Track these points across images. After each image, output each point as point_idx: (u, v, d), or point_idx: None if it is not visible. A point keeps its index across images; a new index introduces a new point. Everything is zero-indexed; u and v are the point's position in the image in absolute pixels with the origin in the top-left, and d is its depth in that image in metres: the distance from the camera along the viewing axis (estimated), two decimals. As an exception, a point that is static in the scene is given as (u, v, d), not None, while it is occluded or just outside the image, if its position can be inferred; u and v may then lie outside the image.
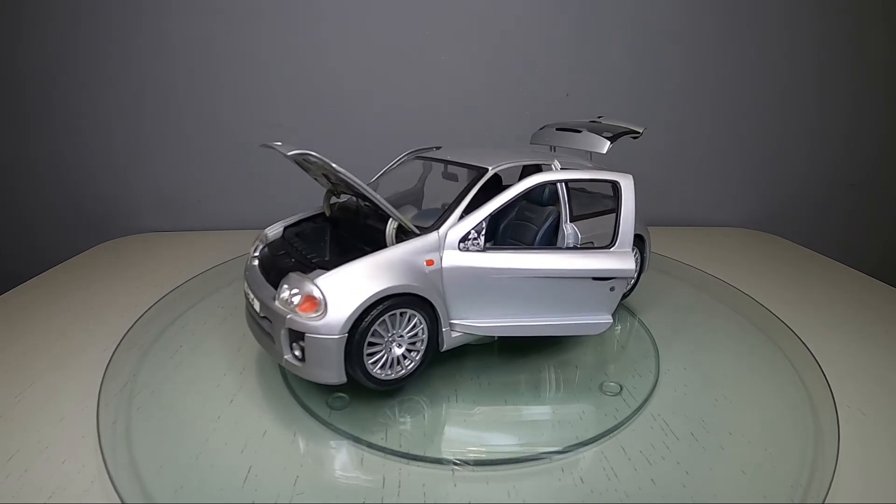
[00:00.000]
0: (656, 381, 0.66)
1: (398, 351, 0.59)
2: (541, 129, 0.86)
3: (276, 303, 0.57)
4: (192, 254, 1.10)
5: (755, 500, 0.48)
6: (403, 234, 0.61)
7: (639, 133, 0.75)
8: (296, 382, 0.64)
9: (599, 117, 0.84)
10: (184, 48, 1.16)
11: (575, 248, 0.65)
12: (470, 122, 1.28)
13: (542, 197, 0.70)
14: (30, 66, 1.16)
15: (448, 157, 0.75)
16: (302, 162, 0.62)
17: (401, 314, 0.58)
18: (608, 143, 0.72)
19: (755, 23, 1.24)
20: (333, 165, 0.56)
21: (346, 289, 0.55)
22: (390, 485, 0.50)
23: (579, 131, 0.77)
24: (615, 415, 0.59)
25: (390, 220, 0.60)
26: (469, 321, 0.62)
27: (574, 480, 0.50)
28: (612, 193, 0.68)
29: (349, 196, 0.73)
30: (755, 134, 1.34)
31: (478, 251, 0.61)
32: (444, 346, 0.62)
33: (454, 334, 0.62)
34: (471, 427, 0.57)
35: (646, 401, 0.62)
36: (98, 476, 0.50)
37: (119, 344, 0.71)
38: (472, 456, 0.53)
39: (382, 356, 0.58)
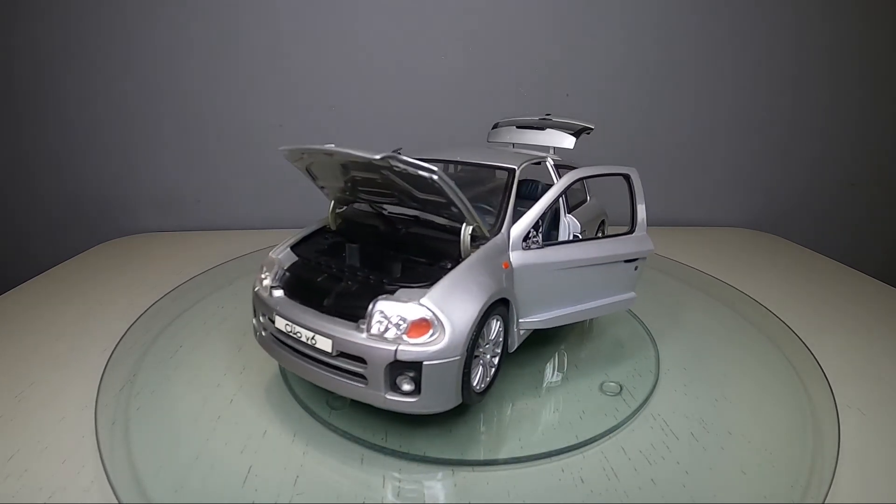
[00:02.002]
0: (656, 381, 0.66)
1: (488, 359, 0.57)
2: (494, 128, 0.85)
3: (365, 337, 0.50)
4: (192, 254, 1.10)
5: (755, 500, 0.48)
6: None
7: (591, 129, 0.77)
8: (296, 382, 0.64)
9: (548, 115, 0.84)
10: (184, 48, 1.16)
11: (606, 236, 0.68)
12: (470, 122, 1.28)
13: (536, 192, 0.72)
14: (30, 66, 1.16)
15: (459, 159, 0.73)
16: (313, 167, 0.59)
17: (490, 321, 0.56)
18: (574, 139, 0.74)
19: (756, 23, 1.24)
20: (410, 160, 0.50)
21: (456, 304, 0.51)
22: (390, 485, 0.50)
23: (542, 129, 0.77)
24: (615, 415, 0.59)
25: (464, 224, 0.57)
26: (531, 318, 0.63)
27: (574, 480, 0.50)
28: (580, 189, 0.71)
29: (359, 205, 0.69)
30: (755, 134, 1.34)
31: (538, 248, 0.62)
32: (514, 346, 0.62)
33: (520, 333, 0.63)
34: (471, 427, 0.57)
35: (646, 401, 0.62)
36: (98, 476, 0.50)
37: (118, 344, 0.71)
38: (472, 456, 0.53)
39: (477, 367, 0.56)
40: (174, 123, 1.22)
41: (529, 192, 0.73)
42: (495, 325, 0.57)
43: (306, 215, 1.25)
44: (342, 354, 0.51)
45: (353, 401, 0.59)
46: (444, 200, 0.55)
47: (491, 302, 0.53)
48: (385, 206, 0.67)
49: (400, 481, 0.50)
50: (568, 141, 0.74)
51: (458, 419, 0.58)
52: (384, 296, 0.51)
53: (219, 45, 1.17)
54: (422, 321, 0.49)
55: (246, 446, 0.54)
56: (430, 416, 0.53)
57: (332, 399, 0.60)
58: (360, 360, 0.50)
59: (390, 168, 0.52)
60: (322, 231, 0.68)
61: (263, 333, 0.60)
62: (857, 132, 1.36)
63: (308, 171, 0.63)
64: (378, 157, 0.49)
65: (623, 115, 1.29)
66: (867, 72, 1.30)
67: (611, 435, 0.56)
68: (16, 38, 1.13)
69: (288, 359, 0.57)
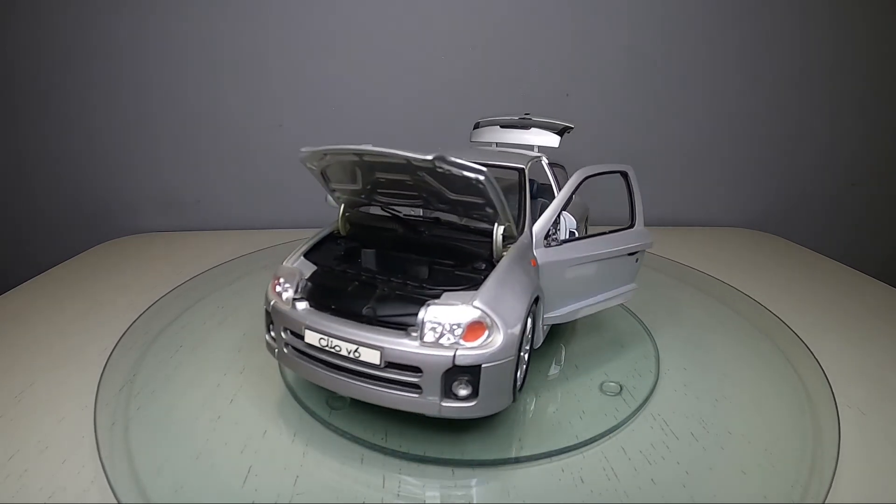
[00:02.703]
0: (656, 381, 0.66)
1: (522, 356, 0.56)
2: (476, 128, 0.85)
3: (419, 345, 0.48)
4: (191, 254, 1.10)
5: (755, 500, 0.48)
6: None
7: (572, 127, 0.78)
8: (296, 382, 0.64)
9: (527, 114, 0.84)
10: (184, 48, 1.16)
11: (612, 231, 0.70)
12: (470, 122, 1.28)
13: (534, 191, 0.73)
14: (30, 66, 1.16)
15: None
16: (329, 170, 0.58)
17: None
18: (558, 137, 0.75)
19: (756, 24, 1.24)
20: (459, 161, 0.49)
21: (506, 304, 0.50)
22: (390, 485, 0.50)
23: (527, 128, 0.78)
24: (615, 415, 0.59)
25: (496, 224, 0.56)
26: (552, 313, 0.64)
27: (574, 480, 0.50)
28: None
29: (364, 209, 0.68)
30: (755, 134, 1.34)
31: (557, 245, 0.63)
32: (539, 342, 0.63)
33: (544, 328, 0.64)
34: (471, 427, 0.57)
35: (646, 401, 0.62)
36: (98, 476, 0.50)
37: (118, 344, 0.71)
38: (472, 456, 0.53)
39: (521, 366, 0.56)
40: (174, 124, 1.22)
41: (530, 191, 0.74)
42: (528, 322, 0.57)
43: (306, 215, 1.26)
44: (391, 365, 0.49)
45: (353, 400, 0.59)
46: (479, 201, 0.55)
47: (533, 299, 0.54)
48: (398, 208, 0.66)
49: (400, 481, 0.50)
50: (553, 139, 0.75)
51: (457, 419, 0.58)
52: (433, 301, 0.49)
53: (219, 45, 1.17)
54: (477, 324, 0.48)
55: (246, 446, 0.54)
56: (430, 417, 0.53)
57: (332, 399, 0.60)
58: (414, 369, 0.48)
59: (432, 169, 0.51)
60: (332, 237, 0.65)
61: (285, 350, 0.56)
62: (858, 132, 1.36)
63: (322, 174, 0.60)
64: (430, 157, 0.48)
65: (623, 115, 1.29)
66: (869, 72, 1.30)
67: (611, 435, 0.56)
68: (15, 38, 1.13)
69: (320, 375, 0.53)
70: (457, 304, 0.49)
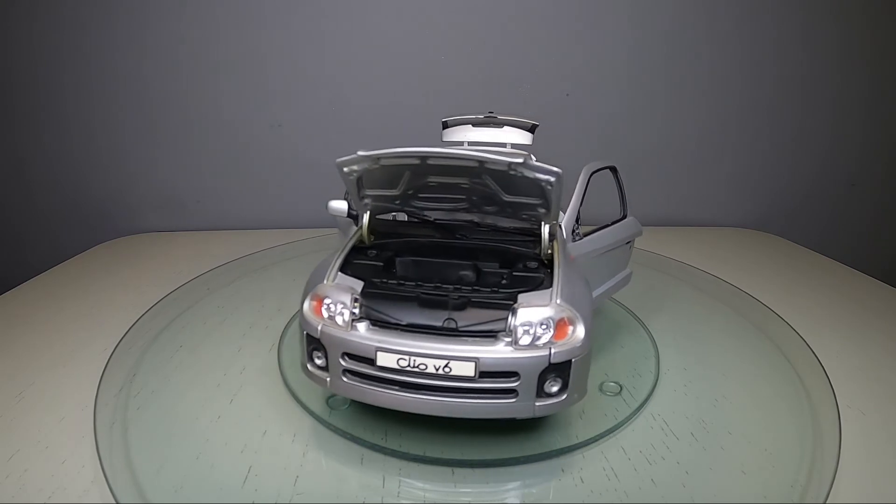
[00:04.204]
0: (656, 381, 0.66)
1: None
2: (447, 127, 0.84)
3: (514, 349, 0.47)
4: (192, 254, 1.10)
5: (755, 500, 0.48)
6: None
7: (537, 125, 0.78)
8: (296, 382, 0.63)
9: (491, 112, 0.84)
10: (184, 48, 1.16)
11: (615, 222, 0.74)
12: (470, 122, 1.28)
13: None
14: (29, 67, 1.16)
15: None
16: (367, 175, 0.54)
17: None
18: (531, 135, 0.76)
19: (757, 23, 1.24)
20: (540, 164, 0.49)
21: (579, 298, 0.51)
22: (390, 485, 0.50)
23: (500, 126, 0.78)
24: (615, 415, 0.59)
25: (542, 223, 0.57)
26: None
27: (574, 480, 0.50)
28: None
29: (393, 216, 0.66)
30: (755, 134, 1.34)
31: (580, 239, 0.66)
32: None
33: None
34: (471, 427, 0.57)
35: (646, 401, 0.62)
36: (97, 477, 0.50)
37: (118, 344, 0.71)
38: (471, 456, 0.53)
39: None
40: (174, 124, 1.22)
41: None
42: None
43: (306, 215, 1.26)
44: (485, 375, 0.48)
45: (352, 401, 0.59)
46: (535, 201, 0.56)
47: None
48: (424, 212, 0.64)
49: (399, 481, 0.50)
50: (526, 137, 0.76)
51: (456, 419, 0.58)
52: (520, 304, 0.49)
53: (218, 45, 1.17)
54: (563, 321, 0.49)
55: (246, 446, 0.54)
56: (430, 416, 0.53)
57: (332, 399, 0.60)
58: (511, 374, 0.48)
59: (504, 171, 0.51)
60: (362, 248, 0.60)
61: (344, 378, 0.50)
62: (859, 133, 1.36)
63: (358, 181, 0.56)
64: (519, 160, 0.48)
65: (623, 115, 1.29)
66: (870, 72, 1.30)
67: (611, 435, 0.56)
68: (14, 39, 1.13)
69: (399, 399, 0.49)
70: (544, 305, 0.49)
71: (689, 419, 0.59)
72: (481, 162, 0.50)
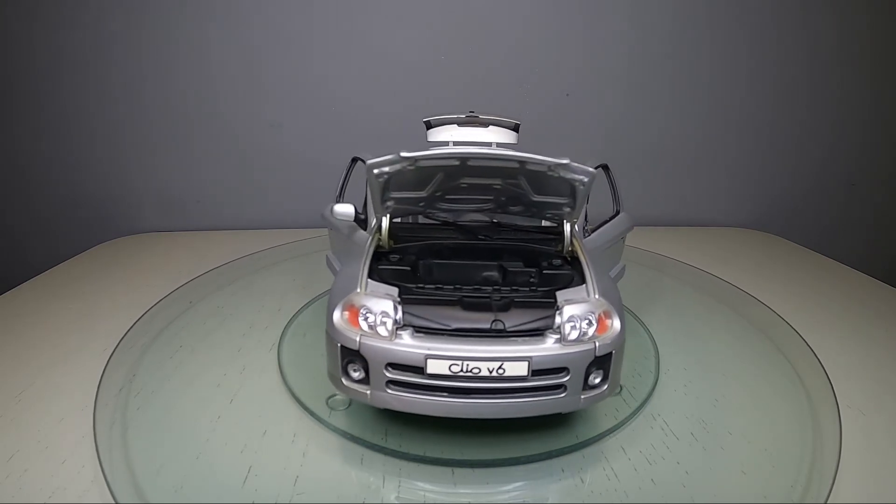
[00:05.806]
0: (656, 381, 0.66)
1: None
2: (431, 127, 0.83)
3: (562, 346, 0.48)
4: (192, 254, 1.10)
5: (755, 500, 0.48)
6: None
7: (519, 124, 0.78)
8: (296, 382, 0.64)
9: (472, 112, 0.84)
10: (183, 49, 1.16)
11: (612, 218, 0.74)
12: (470, 122, 1.28)
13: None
14: (29, 68, 1.16)
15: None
16: (396, 177, 0.53)
17: None
18: (516, 134, 0.76)
19: (756, 23, 1.24)
20: (581, 166, 0.50)
21: (610, 292, 0.53)
22: (390, 485, 0.50)
23: (485, 125, 0.78)
24: (615, 415, 0.59)
25: (564, 221, 0.59)
26: None
27: (574, 480, 0.50)
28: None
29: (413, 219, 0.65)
30: (755, 134, 1.34)
31: (589, 236, 0.68)
32: None
33: None
34: (471, 427, 0.57)
35: (646, 401, 0.62)
36: (97, 477, 0.50)
37: (119, 344, 0.71)
38: (471, 456, 0.53)
39: None
40: (174, 123, 1.22)
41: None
42: None
43: (306, 215, 1.26)
44: (536, 373, 0.48)
45: (352, 401, 0.59)
46: (563, 200, 0.56)
47: None
48: (440, 214, 0.65)
49: (399, 481, 0.50)
50: (511, 136, 0.76)
51: (457, 419, 0.58)
52: (564, 301, 0.50)
53: (218, 44, 1.17)
54: (605, 314, 0.50)
55: (246, 446, 0.54)
56: (429, 417, 0.53)
57: (332, 399, 0.60)
58: (561, 370, 0.48)
59: (542, 172, 0.51)
60: (383, 253, 0.59)
61: (389, 390, 0.49)
62: (858, 132, 1.36)
63: (385, 183, 0.54)
64: (565, 161, 0.49)
65: (624, 115, 1.29)
66: (871, 72, 1.30)
67: (611, 435, 0.56)
68: (13, 39, 1.13)
69: (449, 405, 0.48)
70: (585, 301, 0.51)
71: (689, 419, 0.59)
72: (522, 163, 0.50)
